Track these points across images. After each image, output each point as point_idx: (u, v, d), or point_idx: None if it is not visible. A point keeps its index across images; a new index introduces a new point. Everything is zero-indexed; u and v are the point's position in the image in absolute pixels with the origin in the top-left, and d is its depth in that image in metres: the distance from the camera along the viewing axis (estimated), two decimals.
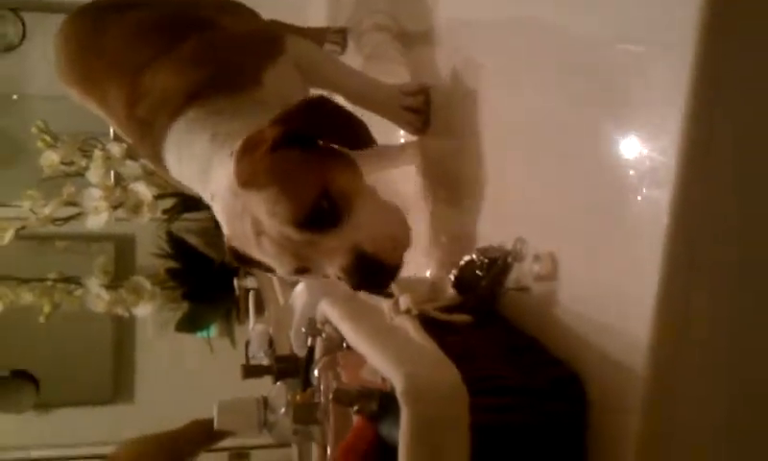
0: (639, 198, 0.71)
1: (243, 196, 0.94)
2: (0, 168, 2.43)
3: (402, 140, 1.43)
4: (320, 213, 0.93)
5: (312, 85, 1.33)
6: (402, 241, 0.99)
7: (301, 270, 0.98)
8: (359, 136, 1.00)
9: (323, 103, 1.00)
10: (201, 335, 2.28)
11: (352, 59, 1.68)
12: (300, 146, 0.95)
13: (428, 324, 0.90)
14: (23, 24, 2.26)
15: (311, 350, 1.08)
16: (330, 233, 0.93)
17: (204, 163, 1.05)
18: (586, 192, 0.81)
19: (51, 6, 2.23)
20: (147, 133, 1.15)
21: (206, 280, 2.19)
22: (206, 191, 1.05)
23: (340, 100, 1.65)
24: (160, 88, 1.14)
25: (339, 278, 0.96)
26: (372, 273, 0.95)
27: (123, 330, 2.44)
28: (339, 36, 1.76)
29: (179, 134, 1.10)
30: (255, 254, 0.97)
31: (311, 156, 0.96)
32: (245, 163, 0.95)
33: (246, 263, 1.05)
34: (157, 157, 1.15)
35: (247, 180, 0.94)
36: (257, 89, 1.12)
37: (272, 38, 1.26)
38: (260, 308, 1.77)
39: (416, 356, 0.80)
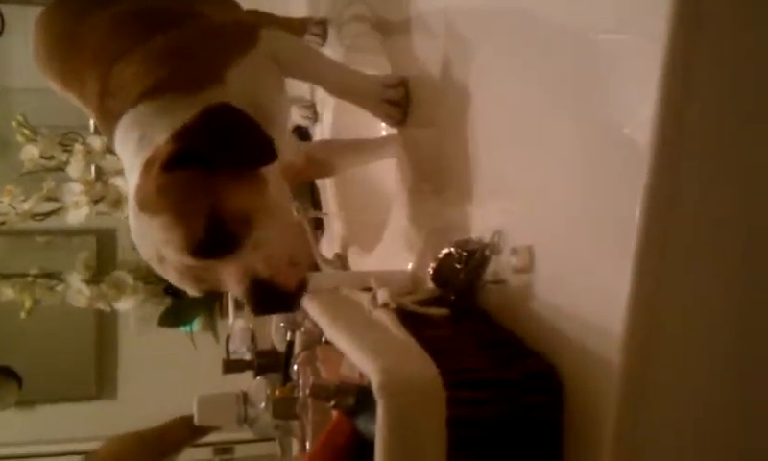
0: (614, 191, 0.72)
1: (143, 219, 0.93)
2: None
3: (384, 133, 1.43)
4: (213, 240, 0.91)
5: (291, 77, 1.32)
6: (301, 263, 0.99)
7: (208, 290, 0.98)
8: (258, 154, 0.95)
9: (222, 114, 0.95)
10: (184, 330, 2.27)
11: (333, 50, 1.67)
12: (196, 164, 0.91)
13: (407, 317, 0.90)
14: (1, 17, 2.23)
15: (291, 344, 1.08)
16: (226, 259, 0.92)
17: (129, 166, 1.03)
18: (563, 185, 0.81)
19: None
20: (108, 126, 1.13)
21: None
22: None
23: (320, 92, 1.65)
24: (125, 82, 1.11)
25: (242, 297, 0.96)
26: (269, 298, 0.95)
27: (105, 326, 2.43)
28: (319, 27, 1.76)
29: (122, 130, 1.07)
30: (163, 275, 0.98)
31: (205, 176, 0.91)
32: (142, 184, 0.94)
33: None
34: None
35: (142, 203, 0.93)
36: (218, 87, 1.08)
37: (244, 31, 1.24)
38: (242, 303, 1.76)
39: (393, 351, 0.80)
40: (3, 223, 2.13)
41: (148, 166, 0.94)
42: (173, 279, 0.96)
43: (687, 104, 0.66)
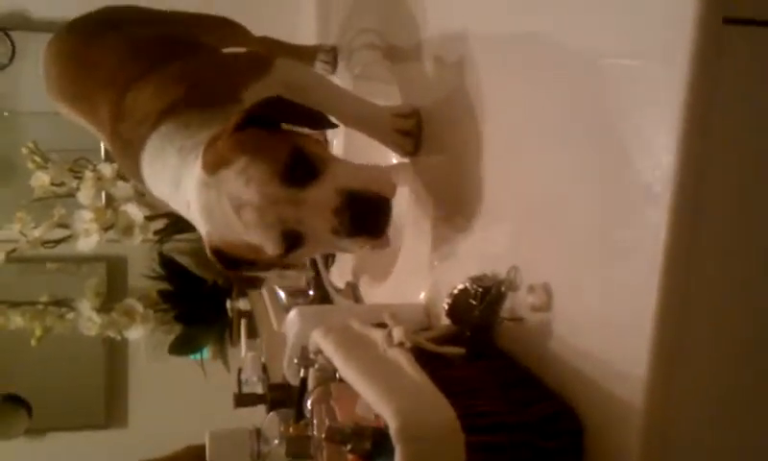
0: (634, 227, 0.70)
1: (214, 182, 0.93)
2: None
3: (394, 161, 1.42)
4: (298, 166, 0.92)
5: (302, 104, 1.32)
6: (388, 178, 0.98)
7: (291, 236, 0.95)
8: (318, 118, 1.02)
9: (281, 98, 1.00)
10: (194, 358, 2.26)
11: (343, 78, 1.67)
12: (262, 126, 0.96)
13: (422, 355, 0.89)
14: (12, 43, 2.24)
15: (304, 380, 1.06)
16: (313, 185, 0.92)
17: (175, 176, 1.04)
18: (582, 222, 0.79)
19: (40, 25, 2.21)
20: (128, 151, 1.14)
21: (199, 302, 2.18)
22: (181, 203, 1.04)
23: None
24: (141, 107, 1.13)
25: (334, 232, 0.93)
26: (367, 210, 0.93)
27: (115, 353, 2.42)
28: (329, 55, 1.76)
29: (152, 150, 1.09)
30: (240, 233, 0.94)
31: (275, 131, 0.97)
32: (210, 152, 0.95)
33: (231, 265, 1.02)
34: (137, 176, 1.15)
35: (214, 164, 0.93)
36: (235, 106, 1.11)
37: (259, 59, 1.25)
38: (253, 332, 1.76)
39: (409, 392, 0.78)
40: (14, 250, 2.13)
41: (212, 142, 0.96)
42: (254, 224, 0.93)
43: (711, 143, 0.65)
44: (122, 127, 1.16)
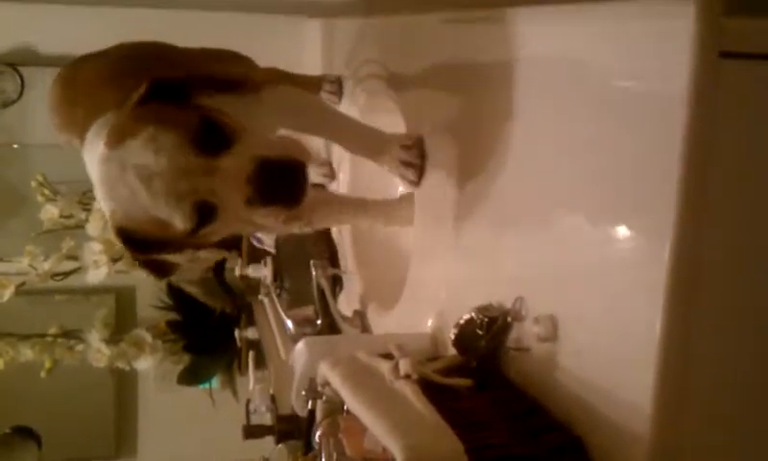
0: (638, 259, 0.71)
1: (116, 155, 0.88)
2: (2, 218, 2.43)
3: (400, 189, 1.43)
4: (210, 134, 0.88)
5: (302, 132, 1.32)
6: (303, 146, 0.94)
7: (204, 208, 0.89)
8: (233, 78, 1.00)
9: (192, 75, 0.99)
10: (202, 387, 2.27)
11: (348, 107, 1.68)
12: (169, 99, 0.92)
13: (429, 386, 0.89)
14: (21, 79, 2.27)
15: (312, 412, 1.06)
16: (226, 153, 0.88)
17: (91, 148, 0.99)
18: (585, 253, 0.80)
19: (48, 60, 2.24)
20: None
21: (207, 332, 2.18)
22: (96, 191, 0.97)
23: (337, 150, 1.65)
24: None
25: (248, 202, 0.89)
26: (282, 176, 0.90)
27: (125, 384, 2.43)
28: (335, 85, 1.78)
29: (92, 131, 1.05)
30: (148, 208, 0.88)
31: (181, 106, 0.92)
32: (113, 127, 0.91)
33: (139, 247, 0.94)
34: None
35: (117, 136, 0.89)
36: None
37: (247, 79, 1.23)
38: (261, 362, 1.76)
39: (416, 426, 0.79)
40: (23, 284, 2.14)
41: (114, 122, 0.93)
42: (164, 194, 0.87)
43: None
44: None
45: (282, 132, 1.26)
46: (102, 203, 0.94)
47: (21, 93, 2.28)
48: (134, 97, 0.92)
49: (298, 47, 2.06)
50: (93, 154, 0.96)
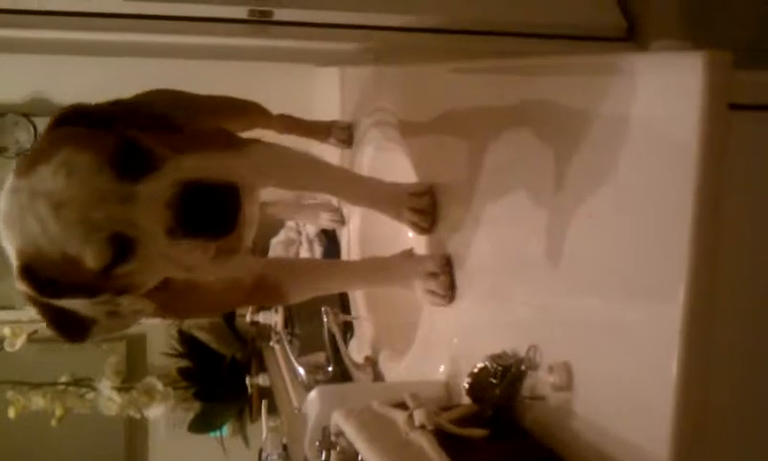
0: (653, 309, 0.71)
1: (25, 184, 0.78)
2: (11, 268, 2.45)
3: (410, 235, 1.44)
4: (130, 158, 0.79)
5: (298, 190, 1.28)
6: (235, 167, 0.83)
7: (120, 240, 0.79)
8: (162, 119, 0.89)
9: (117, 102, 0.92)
10: (213, 435, 2.25)
11: (358, 154, 1.70)
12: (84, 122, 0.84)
13: (444, 435, 0.88)
14: (35, 128, 2.30)
15: None
16: (147, 178, 0.78)
17: None
18: (599, 301, 0.80)
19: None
20: None
21: (218, 379, 2.18)
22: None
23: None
24: None
25: (170, 233, 0.78)
26: (206, 201, 0.78)
27: (135, 431, 2.41)
28: (345, 131, 1.79)
29: None
30: (57, 241, 0.78)
31: (101, 128, 0.83)
32: (25, 155, 0.84)
33: (47, 290, 0.82)
34: None
35: (29, 162, 0.79)
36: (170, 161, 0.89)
37: (230, 136, 1.19)
38: (273, 409, 1.75)
39: None
40: (35, 332, 2.15)
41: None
42: (77, 224, 0.77)
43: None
44: None
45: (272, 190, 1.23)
46: (6, 241, 0.82)
47: (34, 143, 2.31)
48: (50, 120, 0.85)
49: (309, 93, 2.08)
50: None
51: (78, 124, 0.84)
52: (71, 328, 0.85)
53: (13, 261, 0.82)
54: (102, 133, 0.82)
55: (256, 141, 1.23)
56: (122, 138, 0.81)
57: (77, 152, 0.78)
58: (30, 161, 0.80)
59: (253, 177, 1.12)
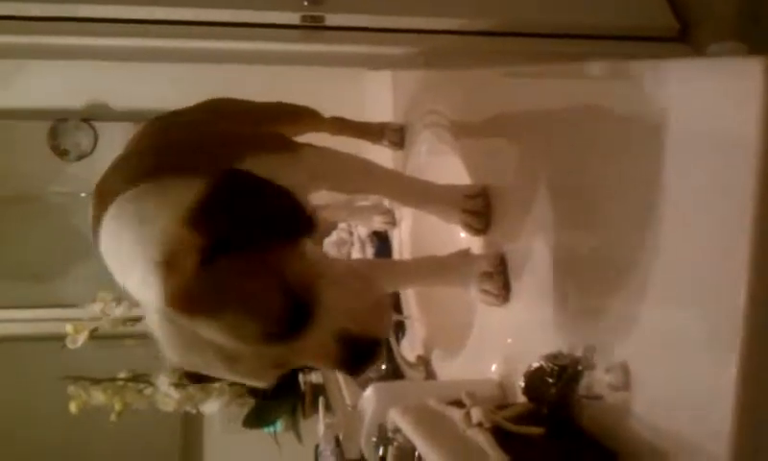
0: (713, 308, 0.72)
1: (186, 323, 0.81)
2: (73, 266, 2.52)
3: (462, 236, 1.45)
4: (295, 316, 0.83)
5: (351, 193, 1.29)
6: (381, 303, 0.93)
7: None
8: (295, 222, 0.87)
9: (235, 181, 0.86)
10: (267, 430, 2.30)
11: (411, 156, 1.72)
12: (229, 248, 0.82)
13: (500, 433, 0.90)
14: (95, 133, 2.37)
15: (383, 459, 1.08)
16: (308, 332, 0.84)
17: (128, 256, 0.89)
18: (658, 301, 0.81)
19: (120, 115, 2.34)
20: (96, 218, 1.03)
21: None
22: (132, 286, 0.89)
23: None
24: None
25: (324, 366, 0.91)
26: (365, 353, 0.88)
27: (191, 426, 2.47)
28: (397, 134, 1.81)
29: (114, 213, 0.97)
30: (227, 376, 0.87)
31: (250, 256, 0.83)
32: (176, 288, 0.80)
33: (202, 380, 0.97)
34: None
35: (188, 307, 0.80)
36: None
37: (282, 139, 1.22)
38: (327, 406, 1.78)
39: None
40: (96, 329, 2.21)
41: (171, 264, 0.80)
42: (247, 374, 0.86)
43: None
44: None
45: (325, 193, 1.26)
46: (161, 342, 0.86)
47: (94, 147, 2.38)
48: (190, 249, 0.81)
49: (360, 97, 2.11)
50: (131, 253, 0.88)
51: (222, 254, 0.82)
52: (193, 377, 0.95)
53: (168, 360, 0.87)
54: (258, 284, 0.82)
55: (309, 145, 1.26)
56: (285, 299, 0.83)
57: (242, 320, 0.81)
58: (189, 301, 0.80)
59: (307, 181, 1.17)
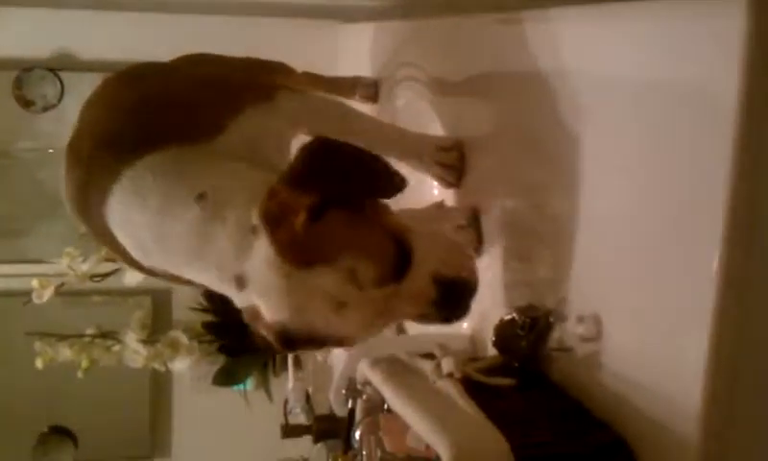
0: (686, 259, 0.71)
1: (302, 276, 0.84)
2: (39, 222, 2.48)
3: (435, 192, 1.43)
4: (403, 258, 0.88)
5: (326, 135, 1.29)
6: (467, 250, 0.98)
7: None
8: (390, 181, 0.93)
9: (330, 149, 0.92)
10: (237, 389, 2.28)
11: (385, 110, 1.69)
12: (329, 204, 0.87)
13: (471, 386, 0.89)
14: (61, 84, 2.31)
15: (352, 411, 1.07)
16: (408, 277, 0.89)
17: (199, 235, 0.92)
18: (629, 251, 0.80)
19: (87, 65, 2.29)
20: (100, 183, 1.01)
21: (243, 333, 2.20)
22: (217, 272, 0.91)
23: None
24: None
25: (422, 316, 0.92)
26: (461, 296, 0.92)
27: (160, 384, 2.45)
28: (370, 88, 1.77)
29: (123, 195, 0.97)
30: (330, 328, 0.88)
31: (350, 210, 0.88)
32: (289, 241, 0.85)
33: (295, 346, 0.93)
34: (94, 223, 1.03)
35: (303, 258, 0.84)
36: (221, 137, 1.02)
37: (257, 85, 1.20)
38: (298, 363, 1.77)
39: (461, 424, 0.79)
40: (62, 285, 2.18)
41: (279, 222, 0.85)
42: (356, 324, 0.87)
43: None
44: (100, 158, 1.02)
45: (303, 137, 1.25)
46: (268, 308, 0.89)
47: (61, 98, 2.32)
48: (298, 207, 0.86)
49: (332, 50, 2.07)
50: (198, 235, 0.91)
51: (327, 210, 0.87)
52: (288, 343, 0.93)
53: (269, 323, 0.89)
54: (367, 231, 0.88)
55: (284, 89, 1.22)
56: (393, 243, 0.89)
57: (358, 263, 0.85)
58: (303, 252, 0.84)
59: (287, 128, 1.17)
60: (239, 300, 0.92)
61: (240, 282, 0.89)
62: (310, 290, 0.85)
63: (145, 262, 1.02)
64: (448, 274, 0.90)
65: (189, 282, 1.02)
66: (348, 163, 0.91)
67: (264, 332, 0.91)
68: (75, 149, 1.08)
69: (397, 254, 0.88)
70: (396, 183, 0.93)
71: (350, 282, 0.84)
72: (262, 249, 0.85)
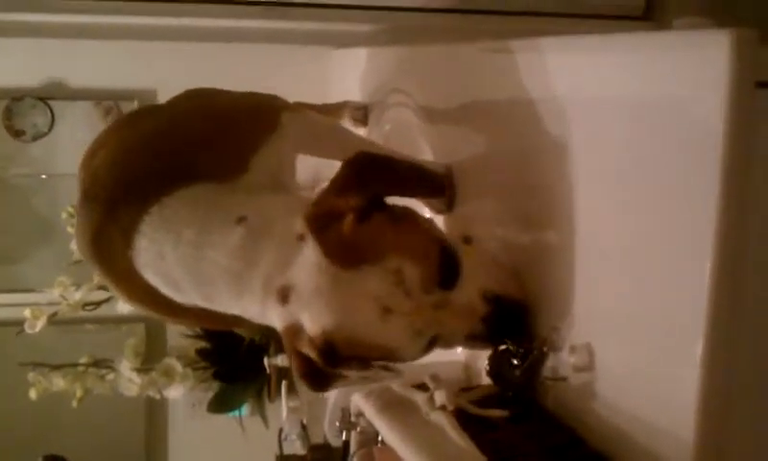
0: (678, 288, 0.70)
1: (349, 277, 0.84)
2: (31, 250, 2.47)
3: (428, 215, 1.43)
4: (451, 264, 0.88)
5: (321, 157, 1.30)
6: (517, 270, 0.96)
7: (431, 341, 0.90)
8: (434, 183, 0.98)
9: (369, 157, 0.94)
10: (232, 415, 2.27)
11: (373, 135, 1.69)
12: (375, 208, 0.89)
13: (464, 416, 0.89)
14: (52, 113, 2.31)
15: (346, 443, 1.06)
16: (457, 288, 0.88)
17: (243, 257, 0.91)
18: (621, 280, 0.80)
19: (77, 93, 2.29)
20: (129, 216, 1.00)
21: (237, 359, 2.19)
22: (262, 290, 0.90)
23: None
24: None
25: (473, 336, 0.90)
26: (512, 315, 0.91)
27: (155, 411, 2.44)
28: (359, 112, 1.78)
29: (151, 235, 0.96)
30: (377, 336, 0.86)
31: (395, 215, 0.90)
32: (335, 241, 0.86)
33: (338, 362, 0.88)
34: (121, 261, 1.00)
35: (349, 258, 0.84)
36: (245, 176, 1.04)
37: (263, 113, 1.19)
38: (292, 390, 1.76)
39: (453, 457, 0.79)
40: (55, 314, 2.16)
41: (325, 225, 0.86)
42: (401, 331, 0.85)
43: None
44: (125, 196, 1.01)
45: (303, 157, 1.25)
46: (313, 316, 0.87)
47: (51, 126, 2.32)
48: (346, 209, 0.87)
49: (324, 77, 2.08)
50: (238, 270, 0.91)
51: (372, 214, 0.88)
52: (319, 380, 0.91)
53: (316, 332, 0.86)
54: (415, 236, 0.89)
55: (287, 113, 1.21)
56: (442, 249, 0.88)
57: (406, 264, 0.85)
58: (351, 254, 0.85)
59: (290, 151, 1.18)
60: (281, 318, 0.89)
61: (284, 295, 0.88)
62: (356, 292, 0.84)
63: (177, 298, 1.00)
64: (500, 291, 0.90)
65: (212, 320, 1.03)
66: (389, 169, 0.94)
67: (306, 350, 0.88)
68: (91, 196, 1.05)
69: (444, 262, 0.87)
70: (439, 184, 0.98)
71: (397, 285, 0.84)
72: (309, 253, 0.86)
